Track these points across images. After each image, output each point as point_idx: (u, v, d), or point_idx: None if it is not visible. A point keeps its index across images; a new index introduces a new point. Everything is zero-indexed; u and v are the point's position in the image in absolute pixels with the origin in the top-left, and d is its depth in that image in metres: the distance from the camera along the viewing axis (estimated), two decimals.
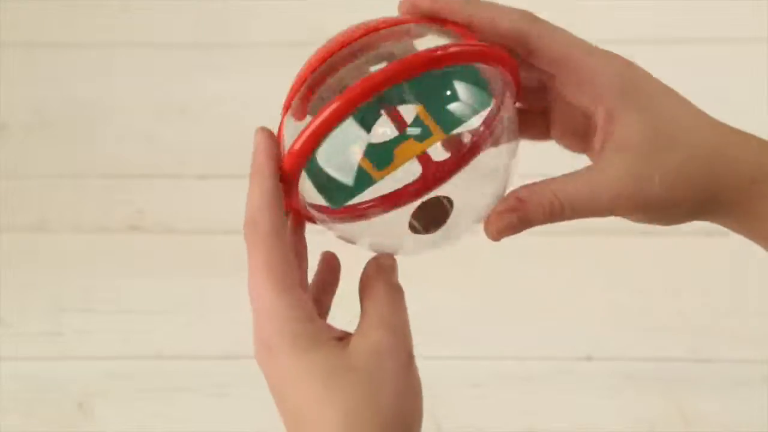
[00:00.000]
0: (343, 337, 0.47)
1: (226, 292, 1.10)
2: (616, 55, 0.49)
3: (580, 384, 1.06)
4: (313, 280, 0.53)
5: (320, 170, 0.47)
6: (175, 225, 1.16)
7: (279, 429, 1.16)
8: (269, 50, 1.24)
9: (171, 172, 1.19)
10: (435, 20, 0.49)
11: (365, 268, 0.49)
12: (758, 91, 1.18)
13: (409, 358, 0.47)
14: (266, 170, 0.49)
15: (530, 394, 1.05)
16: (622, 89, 0.48)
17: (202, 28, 1.25)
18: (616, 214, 0.48)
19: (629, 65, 0.49)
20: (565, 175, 0.48)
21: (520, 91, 0.50)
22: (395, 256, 0.50)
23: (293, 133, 0.47)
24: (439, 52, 0.45)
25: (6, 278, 1.13)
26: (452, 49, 0.45)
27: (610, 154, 0.47)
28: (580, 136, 0.51)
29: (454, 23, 0.49)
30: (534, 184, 0.48)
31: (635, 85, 0.48)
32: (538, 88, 0.51)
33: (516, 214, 0.47)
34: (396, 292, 0.48)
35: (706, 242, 1.10)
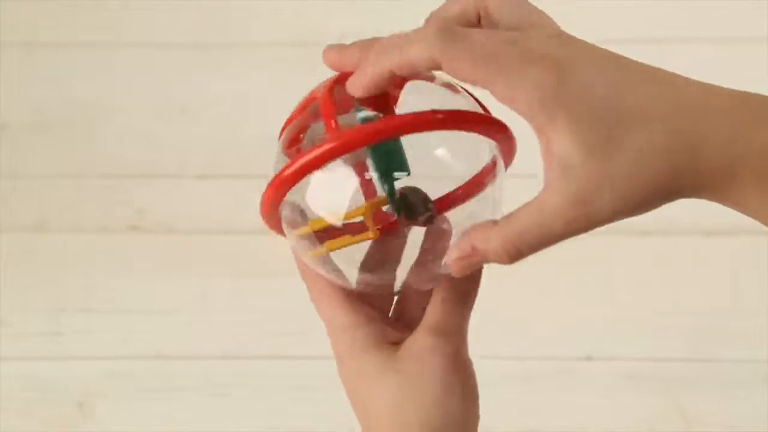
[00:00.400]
0: (399, 342, 0.50)
1: (226, 292, 1.10)
2: (531, 56, 0.43)
3: (580, 384, 1.06)
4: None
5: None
6: (175, 225, 1.16)
7: (279, 429, 1.16)
8: (269, 50, 1.24)
9: (171, 172, 1.19)
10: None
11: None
12: (758, 91, 1.18)
13: (455, 359, 0.49)
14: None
15: (530, 394, 1.05)
16: (542, 102, 0.43)
17: (202, 28, 1.25)
18: (579, 234, 0.45)
19: (549, 64, 0.43)
20: (514, 214, 0.45)
21: (511, 157, 0.51)
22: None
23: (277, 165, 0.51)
24: (440, 116, 0.45)
25: (6, 278, 1.13)
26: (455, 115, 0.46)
27: (552, 177, 0.44)
28: None
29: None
30: (486, 228, 0.46)
31: (557, 92, 0.43)
32: None
33: (474, 260, 0.46)
34: (455, 299, 0.50)
35: (706, 242, 1.10)
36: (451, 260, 0.47)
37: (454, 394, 0.48)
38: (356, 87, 0.46)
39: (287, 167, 0.47)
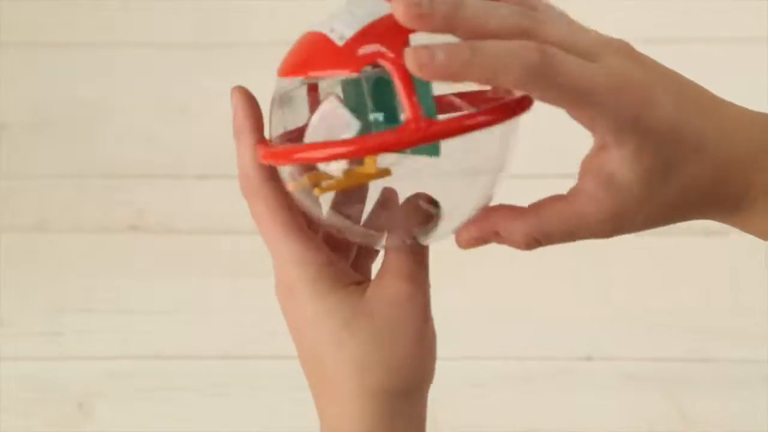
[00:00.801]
0: (362, 282, 0.48)
1: (226, 292, 1.10)
2: (616, 81, 0.42)
3: (580, 384, 1.06)
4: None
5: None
6: (175, 225, 1.16)
7: (279, 429, 1.16)
8: (269, 50, 1.23)
9: (171, 172, 1.19)
10: None
11: None
12: (758, 91, 1.18)
13: (426, 310, 0.48)
14: (247, 128, 0.48)
15: (530, 394, 1.05)
16: (618, 127, 0.42)
17: (202, 28, 1.25)
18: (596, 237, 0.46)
19: (632, 91, 0.42)
20: (544, 210, 0.45)
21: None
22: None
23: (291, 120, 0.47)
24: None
25: (6, 278, 1.13)
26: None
27: (597, 190, 0.44)
28: None
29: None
30: (512, 217, 0.46)
31: (636, 122, 0.42)
32: None
33: (490, 241, 0.46)
34: (420, 247, 0.48)
35: (706, 242, 1.10)
36: (466, 237, 0.46)
37: (426, 346, 0.48)
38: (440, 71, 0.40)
39: (341, 145, 0.42)
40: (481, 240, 0.46)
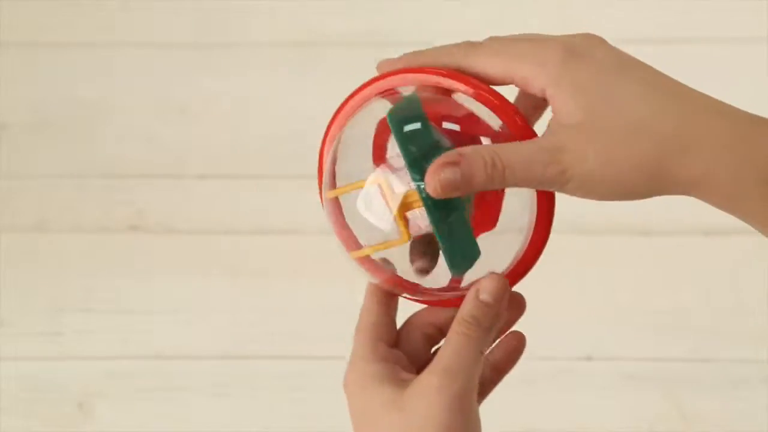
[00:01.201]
0: (409, 380, 0.50)
1: (226, 292, 1.10)
2: (550, 42, 0.49)
3: (580, 384, 1.06)
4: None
5: None
6: (175, 225, 1.16)
7: (279, 429, 1.16)
8: (269, 50, 1.24)
9: (171, 172, 1.19)
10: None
11: (461, 306, 0.51)
12: (758, 91, 1.18)
13: (458, 400, 0.49)
14: (371, 297, 0.53)
15: (530, 394, 1.05)
16: (558, 75, 0.48)
17: (202, 28, 1.25)
18: (553, 188, 0.48)
19: (562, 50, 0.48)
20: (508, 143, 0.49)
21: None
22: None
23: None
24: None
25: (6, 278, 1.13)
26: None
27: (553, 128, 0.48)
28: None
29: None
30: (477, 145, 0.49)
31: (568, 66, 0.48)
32: None
33: (458, 168, 0.47)
34: (468, 342, 0.49)
35: (706, 242, 1.10)
36: (435, 165, 0.47)
37: None
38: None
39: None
40: (449, 167, 0.47)
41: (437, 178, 0.46)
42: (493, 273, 0.50)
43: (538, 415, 1.04)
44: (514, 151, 0.47)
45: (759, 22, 1.21)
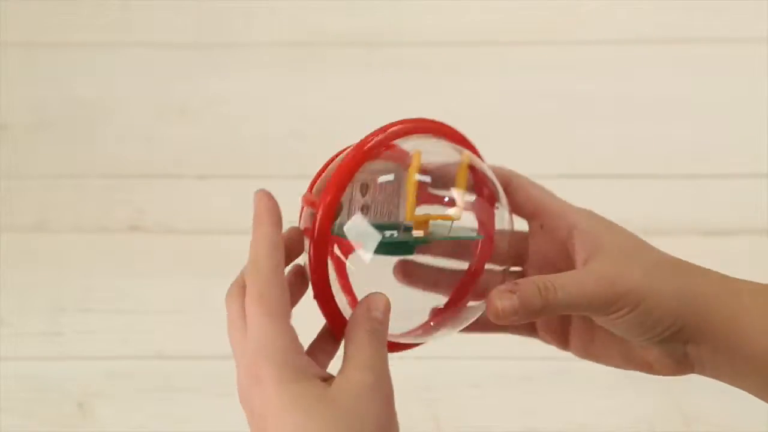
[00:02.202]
0: (327, 378, 0.49)
1: (226, 292, 1.10)
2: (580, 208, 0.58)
3: (580, 384, 1.06)
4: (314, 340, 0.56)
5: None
6: (175, 225, 1.16)
7: None
8: (269, 50, 1.24)
9: (171, 172, 1.19)
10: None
11: (353, 313, 0.52)
12: (758, 91, 1.18)
13: (389, 399, 0.49)
14: (265, 220, 0.53)
15: (530, 394, 1.05)
16: (590, 220, 0.56)
17: (202, 28, 1.25)
18: (600, 305, 0.53)
19: (592, 211, 0.57)
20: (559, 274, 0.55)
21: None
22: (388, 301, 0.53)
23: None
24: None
25: (6, 278, 1.13)
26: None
27: (591, 259, 0.54)
28: (559, 333, 0.61)
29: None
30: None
31: (599, 219, 0.57)
32: None
33: (515, 295, 0.52)
34: (379, 338, 0.50)
35: (706, 242, 1.10)
36: (496, 291, 0.53)
37: None
38: None
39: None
40: (507, 293, 0.53)
41: (499, 302, 0.53)
42: (377, 292, 0.52)
43: (538, 415, 1.04)
44: (565, 277, 0.53)
45: (759, 22, 1.21)
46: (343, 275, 0.55)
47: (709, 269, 0.56)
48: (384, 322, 0.51)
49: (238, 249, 1.14)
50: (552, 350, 1.13)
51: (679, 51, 1.20)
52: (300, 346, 0.50)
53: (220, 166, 1.19)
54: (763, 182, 1.13)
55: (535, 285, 0.52)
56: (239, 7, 1.26)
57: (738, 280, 0.56)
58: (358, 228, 0.52)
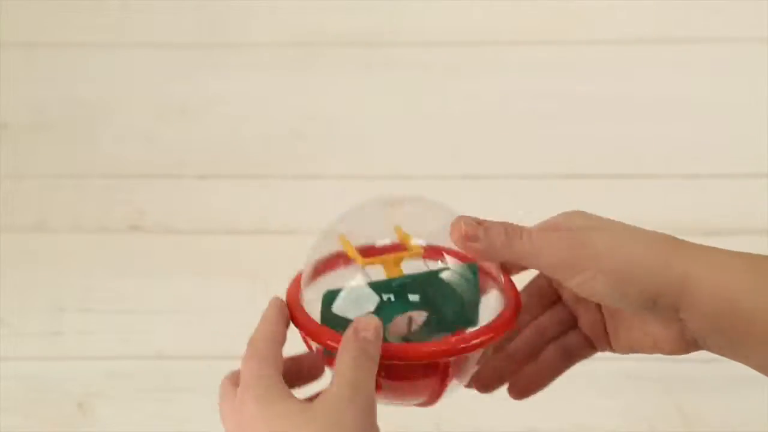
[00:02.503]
0: (311, 399, 0.52)
1: (226, 292, 1.10)
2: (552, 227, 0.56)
3: (580, 384, 1.06)
4: None
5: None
6: (175, 225, 1.16)
7: None
8: (269, 50, 1.24)
9: (171, 172, 1.19)
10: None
11: (343, 336, 0.53)
12: (758, 91, 1.18)
13: (369, 411, 0.50)
14: (272, 319, 0.57)
15: None
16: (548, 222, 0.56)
17: (202, 28, 1.26)
18: (559, 263, 0.54)
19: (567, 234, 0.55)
20: None
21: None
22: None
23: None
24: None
25: (6, 278, 1.13)
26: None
27: (562, 225, 0.55)
28: (599, 332, 0.62)
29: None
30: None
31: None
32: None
33: (481, 227, 0.54)
34: (365, 356, 0.51)
35: (705, 242, 1.10)
36: (457, 218, 0.54)
37: None
38: None
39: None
40: (471, 221, 0.54)
41: (461, 225, 0.53)
42: (367, 315, 0.54)
43: (538, 415, 1.04)
44: (535, 228, 0.54)
45: (759, 22, 1.22)
46: None
47: (697, 244, 0.57)
48: (372, 341, 0.52)
49: (238, 249, 1.15)
50: None
51: (679, 51, 1.20)
52: (282, 375, 0.53)
53: (220, 166, 1.19)
54: (763, 182, 1.13)
55: (502, 226, 0.54)
56: (239, 7, 1.26)
57: (722, 251, 0.56)
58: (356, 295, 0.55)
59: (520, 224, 0.55)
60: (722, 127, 1.17)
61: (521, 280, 0.60)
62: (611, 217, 0.57)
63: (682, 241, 0.56)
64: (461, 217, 0.54)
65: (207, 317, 1.10)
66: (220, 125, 1.21)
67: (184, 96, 1.22)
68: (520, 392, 0.64)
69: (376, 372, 0.52)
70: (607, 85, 1.18)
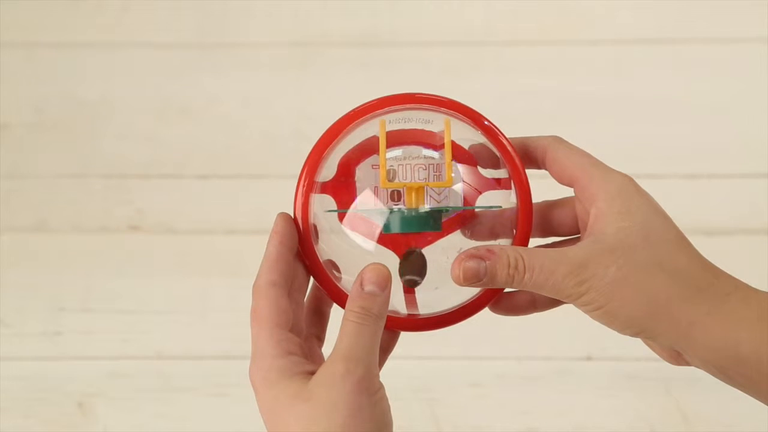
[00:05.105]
0: (314, 372, 0.51)
1: (226, 292, 1.10)
2: (619, 172, 0.56)
3: (580, 384, 1.06)
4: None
5: None
6: (175, 225, 1.16)
7: None
8: (269, 50, 1.24)
9: (171, 172, 1.19)
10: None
11: (350, 291, 0.53)
12: (758, 91, 1.18)
13: (363, 384, 0.50)
14: (273, 240, 0.56)
15: (530, 394, 1.05)
16: (611, 196, 0.54)
17: (202, 28, 1.25)
18: (564, 296, 0.53)
19: (629, 180, 0.55)
20: (539, 247, 0.54)
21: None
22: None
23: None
24: None
25: (6, 278, 1.13)
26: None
27: (584, 242, 0.53)
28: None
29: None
30: (506, 245, 0.55)
31: (626, 194, 0.54)
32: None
33: (484, 262, 0.52)
34: (362, 329, 0.51)
35: (705, 242, 1.10)
36: (463, 254, 0.52)
37: (363, 419, 0.49)
38: None
39: None
40: (475, 259, 0.52)
41: (462, 266, 0.52)
42: (373, 263, 0.52)
43: (538, 415, 1.04)
44: (541, 258, 0.52)
45: (759, 22, 1.21)
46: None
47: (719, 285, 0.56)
48: (377, 294, 0.51)
49: (238, 249, 1.15)
50: (552, 350, 1.14)
51: (679, 51, 1.20)
52: (291, 346, 0.52)
53: (220, 166, 1.19)
54: (763, 182, 1.13)
55: (506, 258, 0.52)
56: (239, 7, 1.26)
57: (727, 285, 0.56)
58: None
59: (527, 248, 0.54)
60: (722, 127, 1.17)
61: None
62: None
63: (705, 282, 0.56)
64: (462, 256, 0.53)
65: (207, 317, 1.10)
66: (220, 125, 1.21)
67: (184, 96, 1.22)
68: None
69: (382, 328, 0.52)
70: (607, 85, 1.18)
